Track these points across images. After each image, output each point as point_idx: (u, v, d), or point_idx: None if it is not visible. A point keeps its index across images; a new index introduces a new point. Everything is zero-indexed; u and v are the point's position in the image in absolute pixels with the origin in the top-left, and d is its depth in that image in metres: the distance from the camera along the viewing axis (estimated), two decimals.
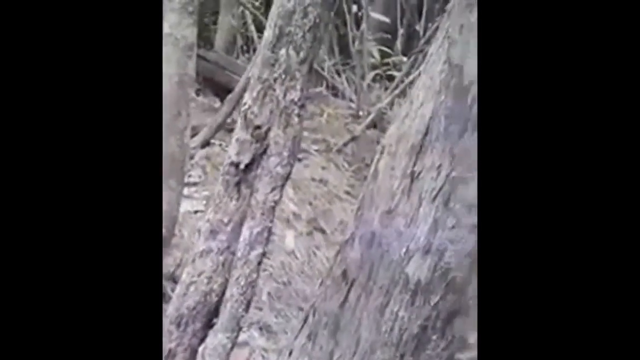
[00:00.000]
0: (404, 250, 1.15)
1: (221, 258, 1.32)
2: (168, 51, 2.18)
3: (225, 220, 1.31)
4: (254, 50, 4.34)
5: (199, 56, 2.70)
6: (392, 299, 1.16)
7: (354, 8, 4.35)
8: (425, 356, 1.14)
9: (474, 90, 1.10)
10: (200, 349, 1.34)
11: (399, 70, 4.23)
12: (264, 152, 1.29)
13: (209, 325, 1.34)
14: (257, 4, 4.45)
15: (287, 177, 1.31)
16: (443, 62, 1.16)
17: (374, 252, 1.19)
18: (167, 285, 2.32)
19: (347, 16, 4.24)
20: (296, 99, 1.27)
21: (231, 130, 1.93)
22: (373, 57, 4.27)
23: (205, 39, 4.36)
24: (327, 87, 4.25)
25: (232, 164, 1.30)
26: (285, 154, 1.29)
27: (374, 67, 4.27)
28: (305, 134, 3.47)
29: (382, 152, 1.25)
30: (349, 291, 1.22)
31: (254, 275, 1.31)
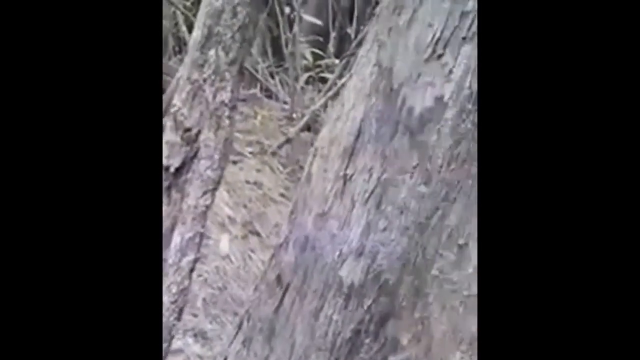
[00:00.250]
0: (337, 253, 1.15)
1: None
2: None
3: None
4: (187, 51, 4.27)
5: None
6: (326, 302, 1.16)
7: (287, 10, 4.34)
8: (359, 359, 1.14)
9: (404, 92, 1.11)
10: None
11: (332, 72, 4.25)
12: (195, 155, 1.27)
13: None
14: (188, 4, 4.38)
15: (219, 180, 1.29)
16: (373, 64, 1.16)
17: (308, 256, 1.19)
18: None
19: (280, 18, 4.23)
20: (226, 101, 1.25)
21: None
22: (306, 59, 4.27)
23: None
24: (261, 89, 4.22)
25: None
26: (216, 156, 1.26)
27: (307, 69, 4.27)
28: (240, 136, 3.44)
29: (314, 155, 1.25)
30: (283, 296, 1.21)
31: (186, 282, 1.28)
